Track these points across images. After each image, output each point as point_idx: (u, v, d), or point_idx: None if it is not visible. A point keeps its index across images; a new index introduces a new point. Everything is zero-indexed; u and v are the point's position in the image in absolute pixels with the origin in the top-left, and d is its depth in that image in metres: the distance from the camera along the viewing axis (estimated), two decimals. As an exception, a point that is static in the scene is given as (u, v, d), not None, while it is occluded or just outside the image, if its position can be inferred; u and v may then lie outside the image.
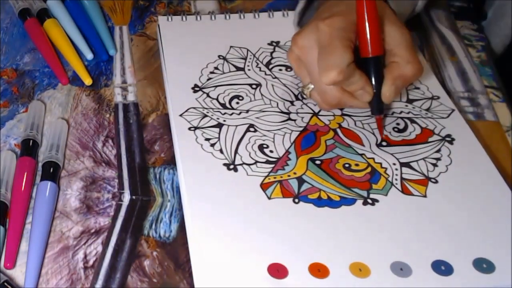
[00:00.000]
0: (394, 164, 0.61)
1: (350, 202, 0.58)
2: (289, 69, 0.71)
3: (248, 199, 0.58)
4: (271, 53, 0.73)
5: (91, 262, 0.57)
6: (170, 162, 0.64)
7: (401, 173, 0.61)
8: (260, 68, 0.71)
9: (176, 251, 0.57)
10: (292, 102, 0.67)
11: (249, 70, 0.71)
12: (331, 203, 0.58)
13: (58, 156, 0.63)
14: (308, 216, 0.57)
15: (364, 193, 0.59)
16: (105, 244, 0.58)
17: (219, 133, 0.64)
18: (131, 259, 0.57)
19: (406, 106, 0.67)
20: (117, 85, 0.72)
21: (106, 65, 0.74)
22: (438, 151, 0.63)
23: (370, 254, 0.54)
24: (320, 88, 0.62)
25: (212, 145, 0.62)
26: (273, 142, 0.63)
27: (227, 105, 0.67)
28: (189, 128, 0.64)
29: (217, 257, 0.54)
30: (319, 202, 0.58)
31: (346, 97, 0.62)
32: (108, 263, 0.57)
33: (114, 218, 0.60)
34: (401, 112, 0.66)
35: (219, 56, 0.72)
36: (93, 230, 0.59)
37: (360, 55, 0.61)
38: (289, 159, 0.62)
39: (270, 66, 0.71)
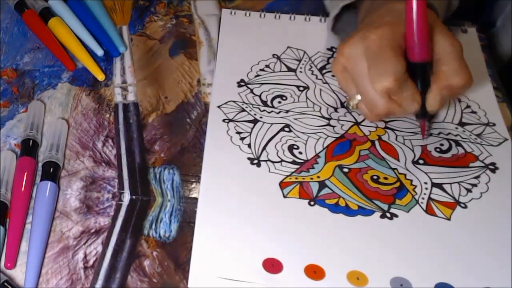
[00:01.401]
0: (426, 183, 0.60)
1: (368, 213, 0.58)
2: None
3: (264, 194, 0.59)
4: (328, 58, 0.72)
5: (91, 262, 0.57)
6: (170, 162, 0.64)
7: (430, 193, 0.60)
8: (312, 71, 0.70)
9: (176, 251, 0.57)
10: (336, 109, 0.66)
11: (300, 72, 0.70)
12: (347, 211, 0.58)
13: (58, 156, 0.63)
14: (320, 219, 0.57)
15: (385, 207, 0.59)
16: (105, 244, 0.58)
17: (252, 128, 0.64)
18: (131, 259, 0.57)
19: (456, 128, 0.65)
20: (117, 85, 0.72)
21: (106, 65, 0.74)
22: (477, 177, 0.61)
23: (371, 264, 0.54)
24: (368, 99, 0.60)
25: (242, 139, 0.63)
26: (305, 144, 0.63)
27: (268, 103, 0.67)
28: (223, 120, 0.65)
29: (217, 246, 0.55)
30: (335, 208, 0.58)
31: (394, 106, 0.60)
32: (108, 263, 0.57)
33: (114, 218, 0.60)
34: (448, 134, 0.64)
35: (273, 55, 0.72)
36: (93, 230, 0.59)
37: (408, 59, 0.59)
38: (317, 163, 0.62)
39: (324, 71, 0.70)
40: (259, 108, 0.66)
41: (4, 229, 0.58)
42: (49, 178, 0.61)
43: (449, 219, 0.58)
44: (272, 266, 0.54)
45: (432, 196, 0.59)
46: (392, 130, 0.65)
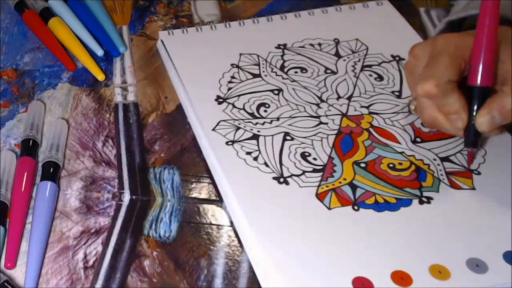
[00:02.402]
0: (435, 159, 0.61)
1: (407, 203, 0.58)
2: (304, 71, 0.70)
3: (308, 211, 0.57)
4: (282, 56, 0.72)
5: (91, 262, 0.57)
6: (170, 162, 0.64)
7: (444, 168, 0.60)
8: (276, 72, 0.70)
9: (176, 251, 0.57)
10: (318, 105, 0.67)
11: (265, 76, 0.70)
12: (390, 206, 0.57)
13: (58, 156, 0.63)
14: (371, 222, 0.56)
15: (417, 192, 0.58)
16: (105, 244, 0.58)
17: (258, 145, 0.62)
18: (131, 259, 0.57)
19: None
20: (117, 85, 0.72)
21: (106, 65, 0.74)
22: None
23: (445, 254, 0.54)
24: (419, 102, 0.59)
25: (255, 158, 0.61)
26: (313, 149, 0.62)
27: (256, 114, 0.66)
28: (227, 143, 0.62)
29: (292, 277, 0.52)
30: (377, 207, 0.57)
31: (440, 118, 0.58)
32: (108, 263, 0.57)
33: (114, 218, 0.60)
34: None
35: (231, 64, 0.71)
36: (93, 230, 0.59)
37: (467, 82, 0.57)
38: (335, 165, 0.61)
39: (285, 70, 0.70)
40: (251, 122, 0.65)
41: (4, 229, 0.58)
42: (49, 178, 0.61)
43: (473, 188, 0.59)
44: (362, 285, 0.52)
45: (448, 170, 0.60)
46: (377, 114, 0.66)
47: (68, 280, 0.55)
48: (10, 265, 0.56)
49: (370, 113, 0.66)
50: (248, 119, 0.65)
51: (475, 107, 0.57)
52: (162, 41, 0.74)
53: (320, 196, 0.58)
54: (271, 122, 0.65)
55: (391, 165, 0.61)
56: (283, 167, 0.61)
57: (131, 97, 0.71)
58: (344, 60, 0.72)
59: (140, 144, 0.66)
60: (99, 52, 0.74)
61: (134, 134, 0.67)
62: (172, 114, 0.69)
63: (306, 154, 0.62)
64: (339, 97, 0.67)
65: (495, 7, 0.56)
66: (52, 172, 0.62)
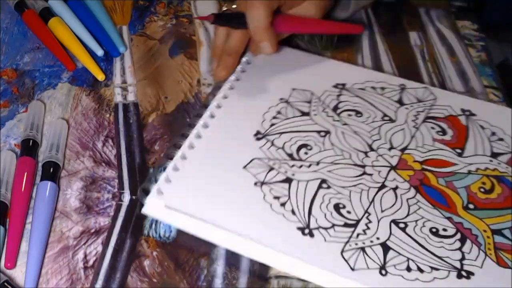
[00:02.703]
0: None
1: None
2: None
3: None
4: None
5: (91, 262, 0.57)
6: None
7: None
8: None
9: (176, 251, 0.57)
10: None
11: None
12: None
13: (58, 156, 0.63)
14: None
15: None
16: (105, 244, 0.58)
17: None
18: (131, 259, 0.57)
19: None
20: (117, 85, 0.72)
21: (106, 65, 0.74)
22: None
23: None
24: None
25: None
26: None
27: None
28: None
29: None
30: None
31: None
32: (108, 263, 0.57)
33: (114, 218, 0.60)
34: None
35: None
36: (93, 230, 0.59)
37: None
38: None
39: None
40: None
41: (4, 229, 0.58)
42: (49, 178, 0.61)
43: None
44: None
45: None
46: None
47: (68, 280, 0.55)
48: (10, 265, 0.56)
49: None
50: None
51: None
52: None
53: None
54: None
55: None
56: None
57: (131, 97, 0.71)
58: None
59: (140, 144, 0.66)
60: (99, 52, 0.74)
61: (134, 134, 0.67)
62: (172, 114, 0.69)
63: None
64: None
65: None
66: (52, 172, 0.62)
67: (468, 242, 0.55)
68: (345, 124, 0.64)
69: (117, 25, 0.78)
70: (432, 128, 0.64)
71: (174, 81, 0.72)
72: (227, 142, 0.62)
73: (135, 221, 0.60)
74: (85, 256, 0.57)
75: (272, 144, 0.62)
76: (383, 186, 0.59)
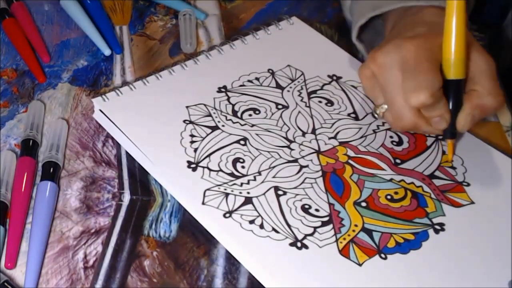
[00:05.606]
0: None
1: (425, 236, 0.55)
2: (257, 112, 0.65)
3: (340, 274, 0.53)
4: (228, 99, 0.66)
5: (91, 262, 0.57)
6: (170, 162, 0.64)
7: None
8: (231, 120, 0.64)
9: (176, 251, 0.57)
10: (289, 147, 0.62)
11: (223, 126, 0.64)
12: (411, 245, 0.54)
13: (58, 156, 0.63)
14: (403, 268, 0.53)
15: (427, 221, 0.56)
16: (105, 244, 0.58)
17: (256, 210, 0.57)
18: (131, 259, 0.57)
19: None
20: (117, 85, 0.72)
21: (106, 65, 0.74)
22: (444, 152, 0.61)
23: (486, 278, 0.52)
24: (395, 110, 0.58)
25: (261, 226, 0.56)
26: (310, 198, 0.58)
27: (235, 172, 0.60)
28: (224, 215, 0.56)
29: None
30: (401, 248, 0.54)
31: (421, 122, 0.58)
32: (108, 263, 0.57)
33: (114, 218, 0.60)
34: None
35: (184, 121, 0.64)
36: (93, 230, 0.59)
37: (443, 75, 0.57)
38: (339, 212, 0.57)
39: (238, 114, 0.65)
40: (236, 184, 0.58)
41: (4, 229, 0.58)
42: (49, 178, 0.61)
43: (472, 202, 0.57)
44: None
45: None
46: (347, 142, 0.62)
47: (68, 280, 0.55)
48: (10, 265, 0.56)
49: (340, 143, 0.62)
50: (231, 180, 0.59)
51: (451, 101, 0.58)
52: (100, 110, 0.65)
53: (344, 253, 0.54)
54: (255, 179, 0.59)
55: (388, 197, 0.58)
56: (292, 228, 0.55)
57: (131, 97, 0.71)
58: (288, 90, 0.67)
59: (140, 144, 0.66)
60: (106, 51, 0.74)
61: (134, 134, 0.67)
62: (172, 114, 0.69)
63: (307, 206, 0.57)
64: (304, 133, 0.63)
65: (461, 4, 0.56)
66: (52, 172, 0.62)
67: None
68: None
69: (117, 25, 0.78)
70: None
71: (174, 81, 0.72)
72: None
73: (135, 221, 0.60)
74: (85, 256, 0.57)
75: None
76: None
